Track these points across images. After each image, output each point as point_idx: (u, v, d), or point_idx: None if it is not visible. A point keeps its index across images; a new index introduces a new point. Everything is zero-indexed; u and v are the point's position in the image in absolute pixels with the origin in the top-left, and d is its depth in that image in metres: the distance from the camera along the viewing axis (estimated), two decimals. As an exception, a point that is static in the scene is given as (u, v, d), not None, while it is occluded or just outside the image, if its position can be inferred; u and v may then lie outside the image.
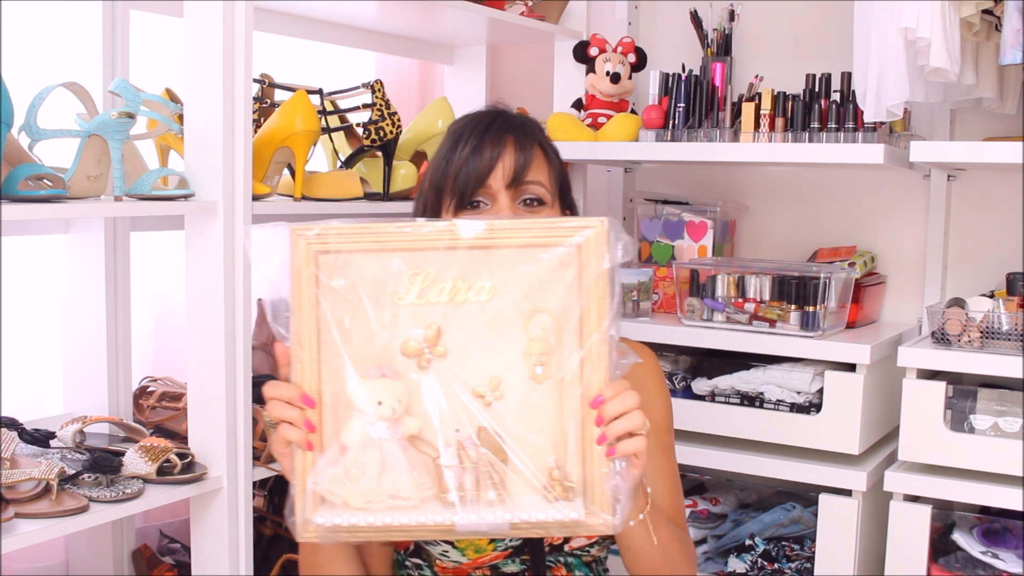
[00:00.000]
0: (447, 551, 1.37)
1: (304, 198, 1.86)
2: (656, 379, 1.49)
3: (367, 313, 1.09)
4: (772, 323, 2.09)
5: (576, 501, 1.09)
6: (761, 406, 2.09)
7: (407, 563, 1.44)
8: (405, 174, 2.05)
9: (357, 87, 2.08)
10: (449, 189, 1.38)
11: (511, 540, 1.37)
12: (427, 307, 1.09)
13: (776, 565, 2.13)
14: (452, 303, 1.09)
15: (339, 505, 1.09)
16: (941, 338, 1.93)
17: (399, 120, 1.98)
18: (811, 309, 2.06)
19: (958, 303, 1.94)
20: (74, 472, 1.54)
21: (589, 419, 1.09)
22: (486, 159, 1.36)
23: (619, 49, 2.34)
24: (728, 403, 2.12)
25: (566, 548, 1.41)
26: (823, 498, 2.02)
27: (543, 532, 1.11)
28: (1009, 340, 1.88)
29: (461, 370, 1.09)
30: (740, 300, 2.13)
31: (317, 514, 1.09)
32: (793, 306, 2.07)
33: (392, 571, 1.46)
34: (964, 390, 1.93)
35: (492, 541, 1.37)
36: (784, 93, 2.14)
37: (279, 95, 1.98)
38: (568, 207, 1.45)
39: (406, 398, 1.09)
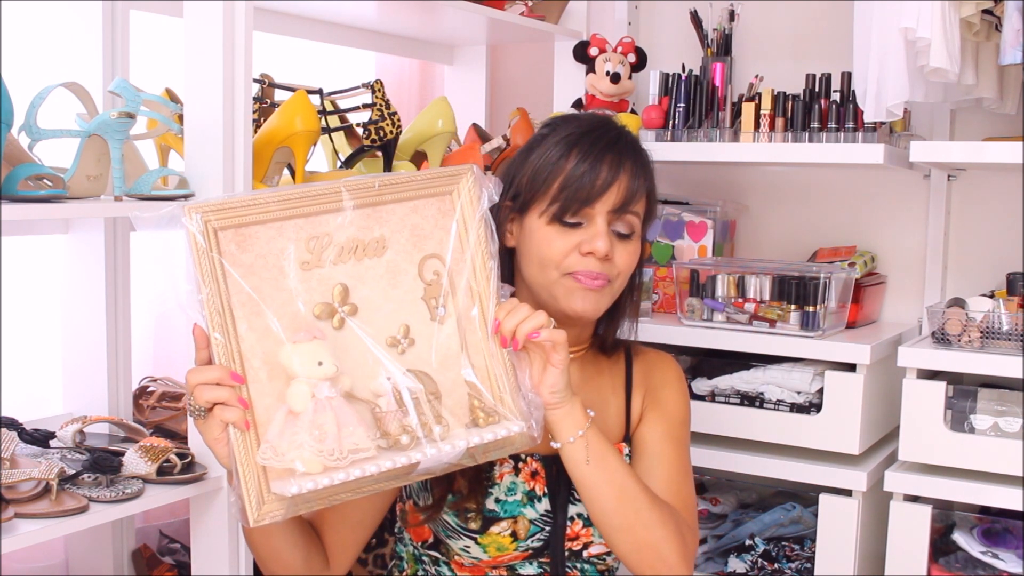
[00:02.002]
0: (468, 547, 1.36)
1: (304, 198, 1.86)
2: (675, 379, 1.51)
3: (275, 282, 1.11)
4: (772, 323, 2.09)
5: (509, 420, 1.18)
6: (761, 406, 2.09)
7: (424, 557, 1.43)
8: (405, 174, 2.04)
9: (357, 87, 2.07)
10: (550, 196, 1.34)
11: (533, 541, 1.37)
12: (330, 268, 1.14)
13: (776, 565, 2.13)
14: (352, 261, 1.15)
15: (299, 473, 1.08)
16: (941, 338, 1.93)
17: (399, 120, 1.98)
18: (811, 309, 2.06)
19: (958, 303, 1.94)
20: (74, 472, 1.54)
21: (491, 348, 1.20)
22: (601, 182, 1.33)
23: (619, 49, 2.34)
24: (728, 403, 2.12)
25: (584, 555, 1.40)
26: (823, 498, 2.02)
27: (494, 453, 1.19)
28: (1009, 340, 1.88)
29: (373, 323, 1.15)
30: (740, 300, 2.13)
31: (284, 486, 1.07)
32: (793, 306, 2.07)
33: (371, 552, 1.46)
34: (964, 390, 1.93)
35: (515, 540, 1.36)
36: (784, 93, 2.14)
37: (279, 95, 1.98)
38: (644, 227, 1.43)
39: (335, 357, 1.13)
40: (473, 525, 1.35)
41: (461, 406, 1.18)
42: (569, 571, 1.40)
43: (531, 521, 1.37)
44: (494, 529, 1.35)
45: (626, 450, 1.44)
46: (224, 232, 1.09)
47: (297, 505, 1.10)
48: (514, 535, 1.36)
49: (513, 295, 1.25)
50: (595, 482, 1.28)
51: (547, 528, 1.37)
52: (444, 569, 1.41)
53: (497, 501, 1.36)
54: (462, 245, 1.20)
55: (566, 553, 1.39)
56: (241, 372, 1.10)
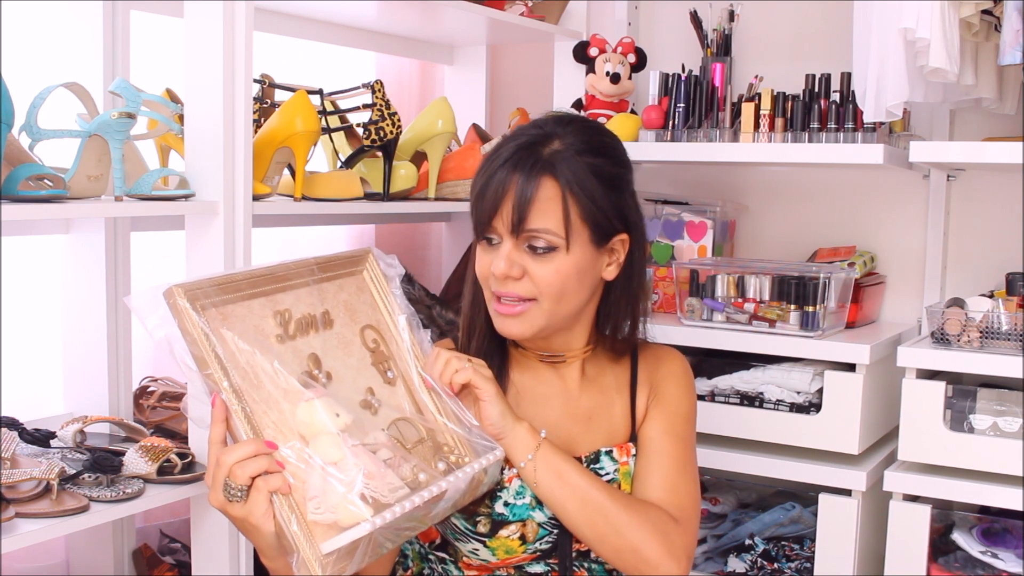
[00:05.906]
0: (477, 549, 1.37)
1: (304, 198, 1.86)
2: (680, 373, 1.51)
3: (262, 354, 1.14)
4: (772, 323, 2.09)
5: (484, 451, 1.27)
6: (761, 406, 2.09)
7: (431, 556, 1.43)
8: (405, 174, 2.05)
9: (357, 87, 2.08)
10: (472, 220, 1.36)
11: (541, 544, 1.37)
12: (300, 340, 1.20)
13: (776, 565, 2.13)
14: (312, 334, 1.22)
15: (358, 517, 1.08)
16: (941, 338, 1.93)
17: (399, 120, 1.98)
18: (811, 309, 2.06)
19: (958, 303, 1.95)
20: (74, 472, 1.55)
21: (440, 400, 1.28)
22: (488, 202, 1.31)
23: (619, 49, 2.34)
24: (728, 403, 2.12)
25: (592, 555, 1.41)
26: (823, 498, 2.02)
27: (494, 477, 1.29)
28: (1008, 340, 1.88)
29: (344, 389, 1.21)
30: (740, 300, 2.13)
31: (354, 532, 1.07)
32: (793, 306, 2.07)
33: (405, 566, 1.46)
34: (964, 390, 1.93)
35: (524, 543, 1.37)
36: (784, 93, 2.15)
37: (279, 95, 1.98)
38: (617, 232, 1.38)
39: None
40: (482, 528, 1.35)
41: (431, 455, 1.25)
42: (577, 571, 1.40)
43: (540, 524, 1.37)
44: (503, 532, 1.35)
45: (633, 450, 1.44)
46: (207, 312, 1.11)
47: (363, 556, 1.10)
48: (523, 538, 1.36)
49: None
50: (557, 499, 1.31)
51: (555, 531, 1.37)
52: (451, 568, 1.41)
53: (506, 504, 1.36)
54: (381, 314, 1.30)
55: (574, 554, 1.39)
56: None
